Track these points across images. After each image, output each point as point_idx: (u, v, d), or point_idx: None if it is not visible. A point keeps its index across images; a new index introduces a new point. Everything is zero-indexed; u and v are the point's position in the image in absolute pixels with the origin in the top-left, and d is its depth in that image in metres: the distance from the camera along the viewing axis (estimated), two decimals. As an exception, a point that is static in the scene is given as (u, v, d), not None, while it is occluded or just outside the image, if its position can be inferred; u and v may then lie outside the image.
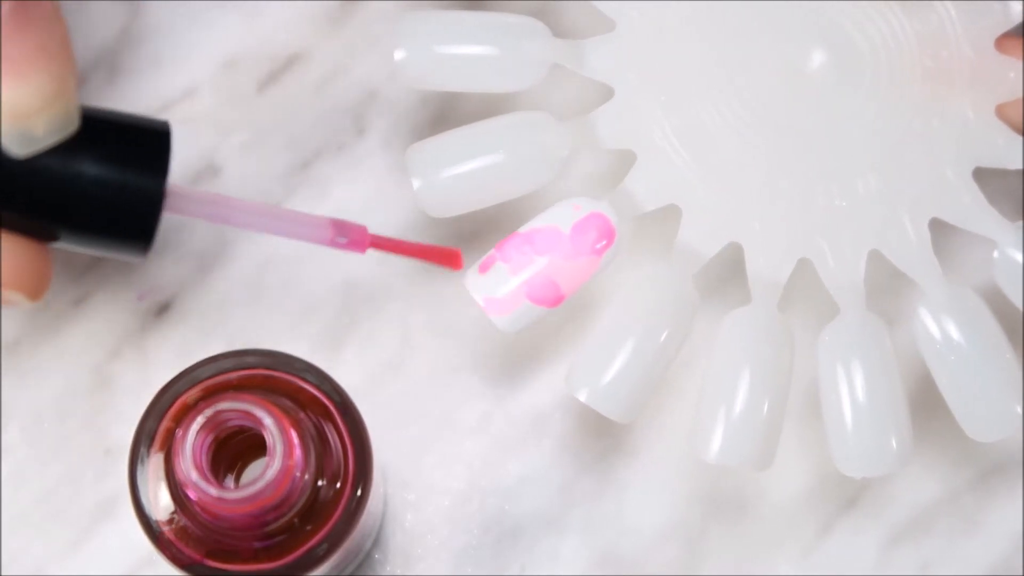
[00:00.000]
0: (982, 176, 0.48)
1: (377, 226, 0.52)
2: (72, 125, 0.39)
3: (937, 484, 0.51)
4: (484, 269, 0.46)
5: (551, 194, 0.48)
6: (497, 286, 0.46)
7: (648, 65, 0.48)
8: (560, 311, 0.47)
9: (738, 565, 0.51)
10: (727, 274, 0.49)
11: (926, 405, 0.50)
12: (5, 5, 0.37)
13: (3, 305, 0.41)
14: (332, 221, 0.44)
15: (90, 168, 0.40)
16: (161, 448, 0.42)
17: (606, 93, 0.48)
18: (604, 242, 0.46)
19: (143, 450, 0.42)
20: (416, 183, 0.47)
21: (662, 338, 0.46)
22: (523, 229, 0.46)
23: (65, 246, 0.41)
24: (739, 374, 0.46)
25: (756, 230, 0.47)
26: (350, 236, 0.44)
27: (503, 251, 0.46)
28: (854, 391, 0.46)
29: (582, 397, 0.46)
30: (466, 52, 0.47)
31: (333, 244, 0.43)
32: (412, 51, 0.47)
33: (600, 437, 0.51)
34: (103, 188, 0.40)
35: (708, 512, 0.51)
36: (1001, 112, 0.47)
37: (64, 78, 0.38)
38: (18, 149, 0.38)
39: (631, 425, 0.51)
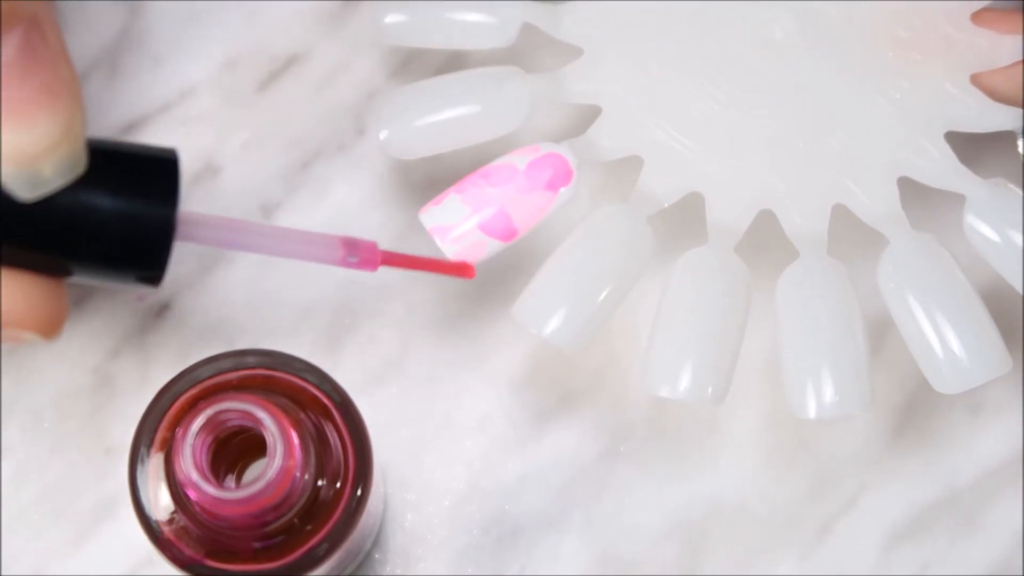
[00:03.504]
0: (954, 142, 0.48)
1: (377, 226, 0.52)
2: (80, 166, 0.38)
3: (937, 484, 0.51)
4: (438, 202, 0.47)
5: (518, 144, 0.48)
6: (449, 215, 0.46)
7: (619, 26, 0.49)
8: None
9: (738, 565, 0.51)
10: (691, 224, 0.49)
11: (926, 405, 0.50)
12: (8, 46, 0.36)
13: (16, 344, 0.40)
14: (342, 240, 0.43)
15: (98, 201, 0.39)
16: (161, 448, 0.42)
17: (576, 54, 0.49)
18: (561, 182, 0.47)
19: (143, 450, 0.42)
20: (383, 134, 0.48)
21: (612, 271, 0.46)
22: (480, 168, 0.47)
23: (78, 280, 0.41)
24: (692, 310, 0.46)
25: (719, 181, 0.48)
26: (361, 255, 0.43)
27: (458, 185, 0.47)
28: (811, 333, 0.46)
29: (533, 330, 0.46)
30: (441, 15, 0.49)
31: (345, 264, 0.43)
32: (395, 13, 0.49)
33: (599, 437, 0.51)
34: (113, 221, 0.39)
35: (708, 512, 0.51)
36: (977, 80, 0.48)
37: (71, 119, 0.37)
38: (25, 193, 0.37)
39: (630, 425, 0.51)
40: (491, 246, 0.46)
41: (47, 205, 0.38)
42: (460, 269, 0.46)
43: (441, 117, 0.48)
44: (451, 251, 0.46)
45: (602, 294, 0.46)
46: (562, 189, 0.47)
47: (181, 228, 0.40)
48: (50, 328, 0.40)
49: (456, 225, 0.46)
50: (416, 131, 0.48)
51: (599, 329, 0.47)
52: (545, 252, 0.47)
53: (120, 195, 0.39)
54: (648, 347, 0.46)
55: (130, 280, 0.40)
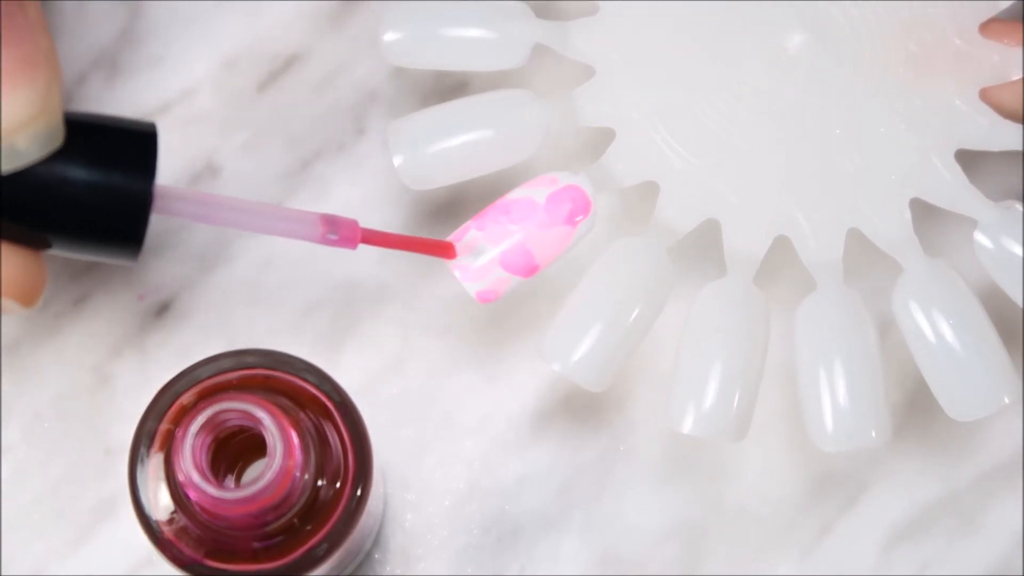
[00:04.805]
0: (965, 159, 0.48)
1: (377, 226, 0.52)
2: (57, 140, 0.38)
3: (937, 484, 0.51)
4: (458, 239, 0.47)
5: (532, 171, 0.48)
6: (471, 253, 0.46)
7: (630, 45, 0.48)
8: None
9: (738, 565, 0.51)
10: (707, 252, 0.49)
11: (926, 405, 0.50)
12: None
13: None
14: (322, 217, 0.43)
15: (77, 173, 0.39)
16: (161, 448, 0.42)
17: (588, 74, 0.48)
18: (580, 214, 0.47)
19: (143, 450, 0.42)
20: (397, 160, 0.47)
21: (635, 306, 0.47)
22: (499, 201, 0.47)
23: (58, 252, 0.41)
24: (713, 345, 0.46)
25: (735, 207, 0.48)
26: (341, 232, 0.43)
27: (478, 221, 0.47)
28: (830, 365, 0.46)
29: (556, 368, 0.46)
30: (451, 32, 0.48)
31: (324, 241, 0.43)
32: (400, 32, 0.48)
33: (599, 436, 0.51)
34: (90, 193, 0.39)
35: (708, 512, 0.51)
36: (985, 95, 0.47)
37: (48, 92, 0.37)
38: (1, 165, 0.38)
39: (631, 425, 0.51)
40: (513, 282, 0.47)
41: (24, 177, 0.39)
42: (441, 248, 0.46)
43: (454, 143, 0.47)
44: (473, 288, 0.46)
45: (626, 334, 0.46)
46: (580, 223, 0.47)
47: (158, 201, 0.40)
48: (29, 297, 0.40)
49: (478, 263, 0.46)
50: (430, 157, 0.47)
51: (623, 366, 0.47)
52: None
53: (97, 168, 0.39)
54: (670, 384, 0.47)
55: (108, 254, 0.41)
